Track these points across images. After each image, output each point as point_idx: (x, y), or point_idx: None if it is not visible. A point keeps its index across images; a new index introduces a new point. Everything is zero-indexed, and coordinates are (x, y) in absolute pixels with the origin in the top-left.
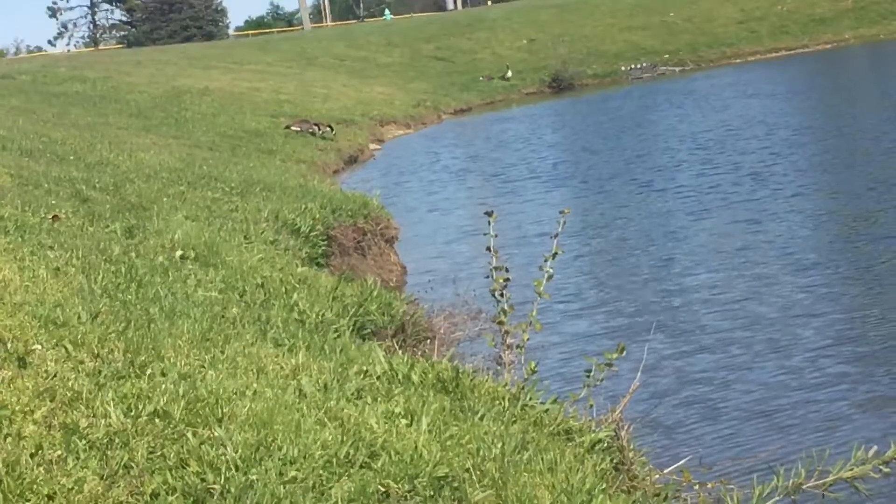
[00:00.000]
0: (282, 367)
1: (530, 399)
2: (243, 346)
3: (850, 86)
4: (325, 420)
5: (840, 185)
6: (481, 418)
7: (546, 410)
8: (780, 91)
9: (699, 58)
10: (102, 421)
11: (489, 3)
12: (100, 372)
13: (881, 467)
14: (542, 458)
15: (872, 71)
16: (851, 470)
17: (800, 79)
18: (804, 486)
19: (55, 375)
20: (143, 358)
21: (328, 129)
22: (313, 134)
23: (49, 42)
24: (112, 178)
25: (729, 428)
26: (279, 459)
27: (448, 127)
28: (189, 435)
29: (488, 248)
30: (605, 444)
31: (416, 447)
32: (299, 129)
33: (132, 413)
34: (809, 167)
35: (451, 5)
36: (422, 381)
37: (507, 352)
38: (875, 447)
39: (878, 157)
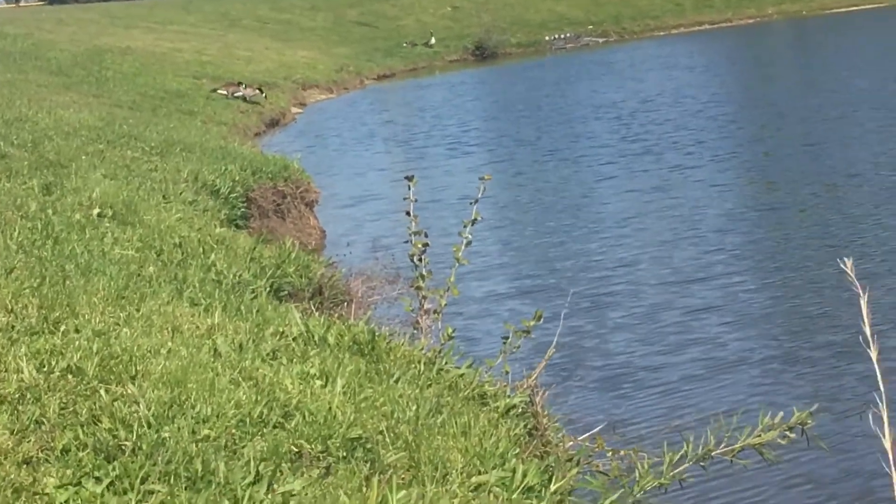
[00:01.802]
0: (197, 327)
1: (446, 363)
2: (159, 305)
3: (770, 60)
4: (240, 380)
5: (749, 156)
6: (396, 381)
7: (461, 375)
8: (698, 64)
9: (623, 29)
10: (14, 376)
11: None
12: (13, 327)
13: (786, 433)
14: (456, 422)
15: (793, 46)
16: (759, 437)
17: (720, 52)
18: (714, 453)
19: None
20: (58, 314)
21: (258, 91)
22: (243, 98)
23: None
24: (30, 134)
25: (642, 395)
26: (192, 418)
27: (370, 92)
28: (102, 392)
29: (408, 213)
30: (520, 410)
31: (330, 408)
32: (226, 92)
33: (45, 369)
34: (719, 138)
35: None
36: (338, 344)
37: (424, 316)
38: (781, 413)
39: (790, 127)
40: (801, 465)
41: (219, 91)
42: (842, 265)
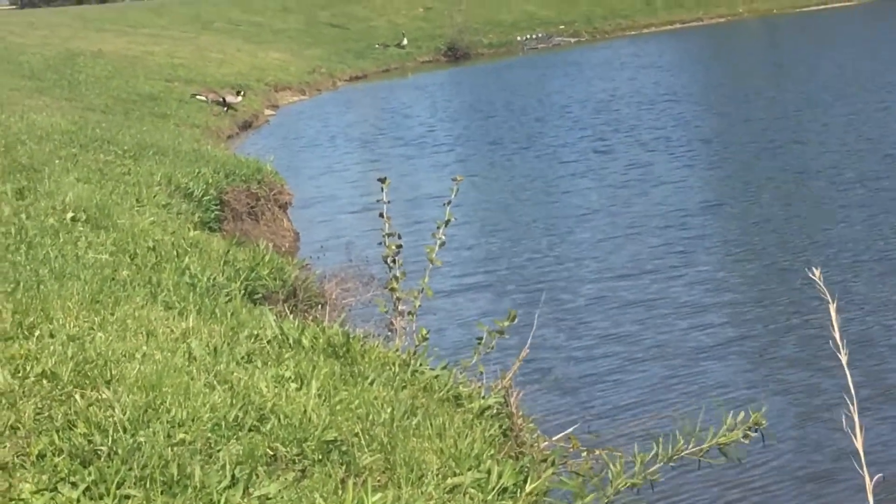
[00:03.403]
0: (172, 330)
1: (420, 365)
2: (133, 309)
3: (739, 58)
4: (215, 383)
5: (729, 152)
6: (371, 383)
7: (436, 376)
8: (667, 63)
9: (594, 29)
10: None
11: None
12: None
13: (748, 432)
14: (431, 424)
15: (762, 44)
16: (724, 436)
17: (690, 51)
18: (682, 454)
19: None
20: (32, 319)
21: (240, 98)
22: (224, 105)
23: None
24: (3, 138)
25: (617, 394)
26: (167, 422)
27: (343, 94)
28: (77, 396)
29: (381, 215)
30: (494, 411)
31: (305, 411)
32: (205, 98)
33: (19, 374)
34: (687, 135)
35: None
36: (312, 346)
37: (398, 318)
38: (742, 413)
39: (758, 124)
40: (773, 464)
41: (198, 97)
42: (810, 274)
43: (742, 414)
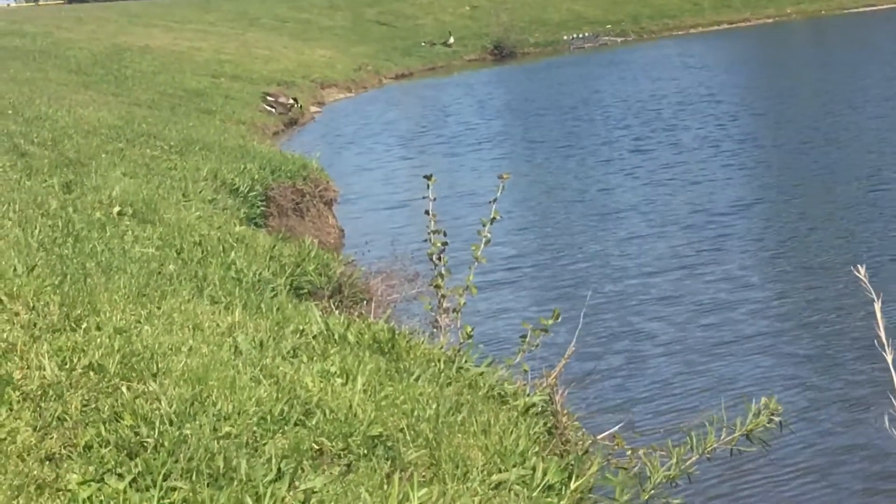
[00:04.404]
0: (218, 325)
1: (465, 362)
2: (180, 303)
3: (787, 59)
4: (261, 377)
5: (769, 153)
6: (416, 379)
7: (481, 373)
8: (714, 63)
9: (641, 29)
10: (37, 373)
11: None
12: (35, 324)
13: (773, 417)
14: (476, 420)
15: (809, 45)
16: (752, 423)
17: (738, 52)
18: (715, 445)
19: None
20: (79, 312)
21: (293, 102)
22: (290, 109)
23: None
24: (50, 133)
25: (662, 393)
26: (213, 415)
27: (389, 91)
28: (124, 389)
29: (426, 212)
30: (539, 408)
31: (350, 406)
32: (273, 107)
33: (67, 366)
34: (726, 134)
35: None
36: (358, 342)
37: (443, 315)
38: (763, 398)
39: (805, 124)
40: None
41: (268, 98)
42: (855, 272)
43: (763, 399)
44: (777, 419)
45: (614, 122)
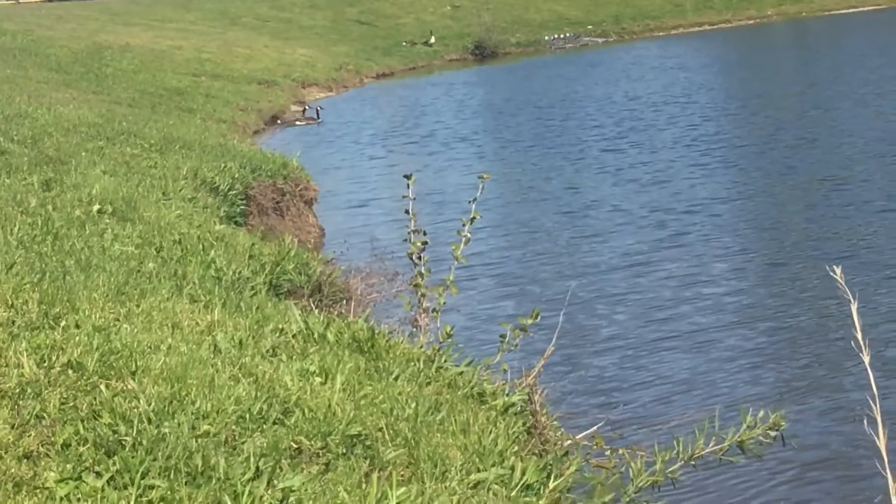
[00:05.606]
0: (197, 323)
1: (445, 361)
2: (159, 301)
3: (764, 60)
4: (240, 376)
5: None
6: (395, 379)
7: (460, 373)
8: (696, 64)
9: (622, 30)
10: (15, 371)
11: None
12: (13, 322)
13: (768, 432)
14: (455, 420)
15: (791, 47)
16: (745, 434)
17: (716, 53)
18: (703, 452)
19: None
20: (58, 309)
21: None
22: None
23: None
24: (30, 131)
25: (641, 394)
26: (192, 413)
27: (370, 91)
28: (102, 387)
29: (406, 211)
30: (518, 408)
31: (329, 405)
32: (303, 120)
33: (45, 364)
34: (714, 134)
35: None
36: (337, 341)
37: (423, 315)
38: (762, 412)
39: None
40: (791, 463)
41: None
42: (831, 273)
43: (762, 412)
44: (774, 434)
45: (592, 122)
